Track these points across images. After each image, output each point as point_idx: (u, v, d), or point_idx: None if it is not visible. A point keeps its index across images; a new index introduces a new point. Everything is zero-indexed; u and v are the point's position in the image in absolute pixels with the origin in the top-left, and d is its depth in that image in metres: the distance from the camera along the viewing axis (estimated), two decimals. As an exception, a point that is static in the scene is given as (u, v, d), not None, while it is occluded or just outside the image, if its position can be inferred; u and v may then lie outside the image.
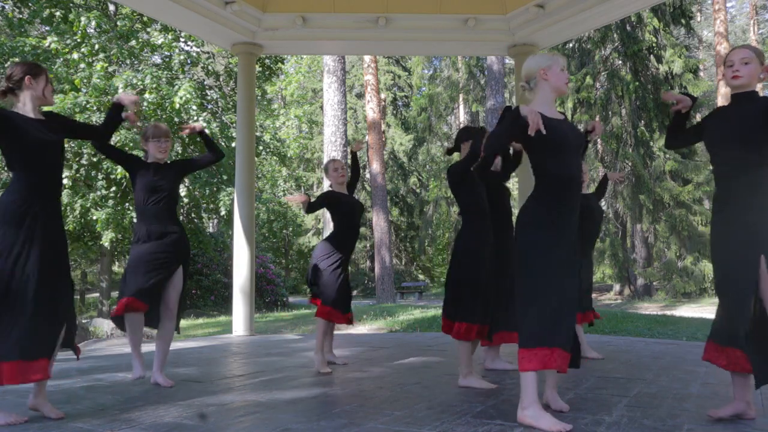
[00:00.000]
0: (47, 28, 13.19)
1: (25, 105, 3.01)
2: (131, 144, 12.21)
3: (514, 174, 4.66)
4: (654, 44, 18.55)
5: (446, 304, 3.72)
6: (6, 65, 12.18)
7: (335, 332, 6.61)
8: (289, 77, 21.36)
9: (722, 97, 21.70)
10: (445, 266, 31.12)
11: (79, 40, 12.36)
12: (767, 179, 2.71)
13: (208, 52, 15.72)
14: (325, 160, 12.36)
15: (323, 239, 4.59)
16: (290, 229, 23.94)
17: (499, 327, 3.96)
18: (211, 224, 22.23)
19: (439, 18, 7.27)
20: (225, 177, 13.65)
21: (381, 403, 3.16)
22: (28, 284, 2.81)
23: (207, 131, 3.89)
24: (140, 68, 12.96)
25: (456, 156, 4.05)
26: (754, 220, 2.66)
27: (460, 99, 30.16)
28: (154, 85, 12.34)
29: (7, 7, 13.74)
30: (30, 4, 13.28)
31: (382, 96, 25.27)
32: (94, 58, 12.49)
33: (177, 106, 12.16)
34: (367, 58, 18.82)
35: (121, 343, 7.07)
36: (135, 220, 3.75)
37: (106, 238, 12.34)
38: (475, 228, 3.64)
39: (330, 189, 4.65)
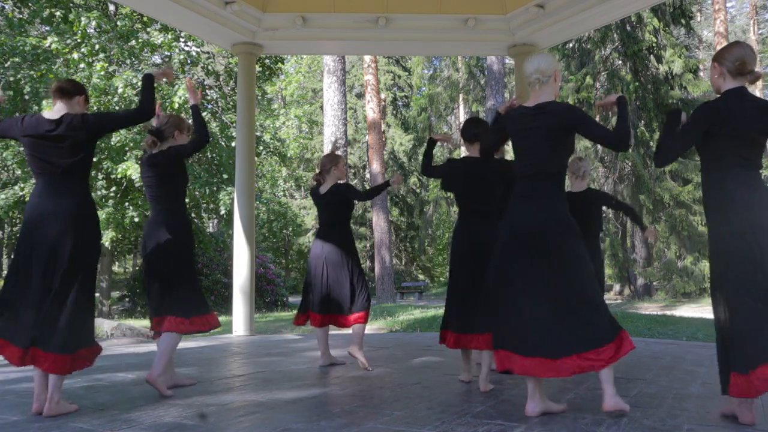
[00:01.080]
0: (47, 28, 13.18)
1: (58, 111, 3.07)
2: (131, 144, 12.22)
3: None
4: (654, 44, 18.54)
5: None
6: (6, 65, 12.18)
7: (337, 332, 6.60)
8: (289, 77, 21.34)
9: (722, 97, 21.67)
10: (444, 266, 31.12)
11: (79, 40, 12.36)
12: (707, 187, 2.72)
13: (208, 52, 15.71)
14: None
15: (349, 239, 4.51)
16: (290, 229, 23.94)
17: None
18: (211, 224, 22.23)
19: (439, 18, 7.26)
20: (225, 177, 13.66)
21: (381, 403, 3.16)
22: None
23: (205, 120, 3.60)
24: (140, 68, 12.96)
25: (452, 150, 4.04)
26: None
27: (460, 99, 30.15)
28: (154, 85, 12.35)
29: (7, 7, 13.74)
30: (30, 4, 13.28)
31: (382, 96, 25.25)
32: (94, 58, 12.49)
33: (176, 105, 12.17)
34: (367, 58, 18.81)
35: (121, 343, 7.08)
36: (182, 216, 3.65)
37: (107, 238, 12.35)
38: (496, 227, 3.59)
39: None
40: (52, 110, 3.08)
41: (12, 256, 3.00)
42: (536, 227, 2.78)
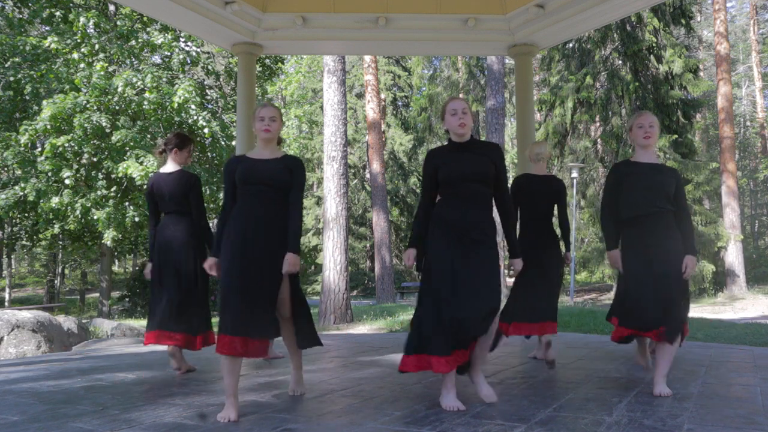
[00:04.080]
0: (47, 28, 13.19)
1: (167, 164, 4.35)
2: (131, 143, 12.22)
3: None
4: (654, 44, 18.54)
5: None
6: (6, 65, 12.18)
7: (337, 332, 6.59)
8: (289, 77, 21.34)
9: (722, 96, 21.68)
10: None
11: (79, 40, 12.36)
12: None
13: (208, 52, 15.72)
14: (325, 161, 12.27)
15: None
16: (290, 228, 23.94)
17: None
18: (211, 224, 22.22)
19: (439, 18, 7.25)
20: (225, 177, 13.66)
21: (381, 403, 3.16)
22: None
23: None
24: (140, 68, 12.96)
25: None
26: None
27: (460, 99, 30.15)
28: (155, 85, 12.36)
29: (7, 7, 13.74)
30: (30, 4, 13.29)
31: (382, 96, 25.25)
32: (94, 58, 12.50)
33: (176, 105, 12.19)
34: (367, 58, 18.81)
35: (122, 343, 7.07)
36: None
37: (108, 237, 12.35)
38: None
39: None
40: (167, 164, 4.35)
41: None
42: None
